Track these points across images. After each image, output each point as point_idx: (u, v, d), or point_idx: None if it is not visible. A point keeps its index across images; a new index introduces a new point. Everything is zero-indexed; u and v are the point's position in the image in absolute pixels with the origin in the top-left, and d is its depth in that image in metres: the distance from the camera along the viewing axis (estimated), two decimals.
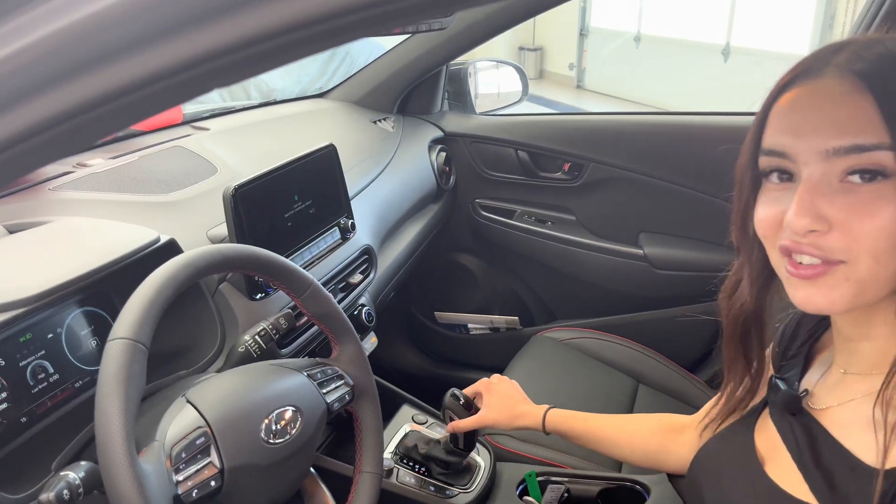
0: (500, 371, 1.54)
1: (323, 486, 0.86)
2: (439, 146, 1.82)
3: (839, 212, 0.55)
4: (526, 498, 1.11)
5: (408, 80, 1.77)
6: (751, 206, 0.63)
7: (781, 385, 0.69)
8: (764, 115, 0.61)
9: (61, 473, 0.64)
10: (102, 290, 0.91)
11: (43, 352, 0.82)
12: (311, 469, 0.87)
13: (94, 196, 1.07)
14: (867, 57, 0.55)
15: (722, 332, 0.76)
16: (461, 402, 1.06)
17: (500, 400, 1.07)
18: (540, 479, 1.13)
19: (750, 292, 0.71)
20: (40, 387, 0.82)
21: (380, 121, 1.75)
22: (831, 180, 0.55)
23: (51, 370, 0.83)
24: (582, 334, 1.62)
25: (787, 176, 0.59)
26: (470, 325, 2.02)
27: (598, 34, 8.38)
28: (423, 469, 1.16)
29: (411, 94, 1.84)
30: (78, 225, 0.96)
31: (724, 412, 0.80)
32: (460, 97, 1.94)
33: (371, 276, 1.32)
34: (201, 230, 1.05)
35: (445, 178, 1.82)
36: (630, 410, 1.41)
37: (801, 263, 0.57)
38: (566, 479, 1.14)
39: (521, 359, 1.56)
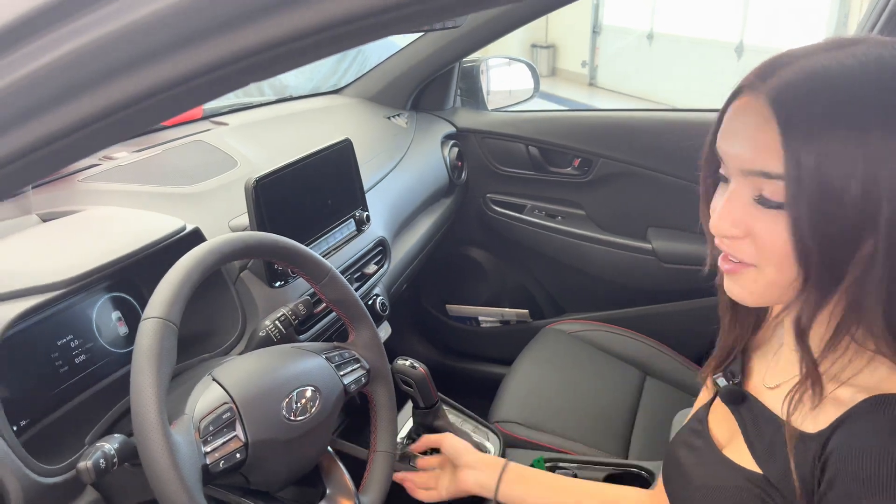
0: (510, 363, 1.58)
1: (340, 463, 0.90)
2: (451, 141, 1.86)
3: (752, 224, 0.59)
4: None
5: (421, 76, 1.80)
6: (710, 197, 0.67)
7: (720, 382, 0.75)
8: (721, 114, 0.64)
9: (97, 444, 0.68)
10: (130, 276, 0.95)
11: (74, 334, 0.87)
12: (329, 448, 0.91)
13: (120, 187, 1.11)
14: (785, 88, 0.57)
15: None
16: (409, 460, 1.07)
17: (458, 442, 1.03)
18: (548, 464, 1.17)
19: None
20: (72, 367, 0.86)
21: (393, 117, 1.78)
22: (750, 194, 0.60)
23: (81, 351, 0.87)
24: (590, 327, 1.65)
25: (725, 179, 0.63)
26: (480, 318, 2.05)
27: (610, 32, 8.37)
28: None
29: (424, 91, 1.88)
30: (107, 214, 1.00)
31: (718, 356, 0.81)
32: (472, 94, 1.97)
33: (385, 266, 1.35)
34: (223, 220, 1.09)
35: (457, 173, 1.85)
36: (637, 402, 1.44)
37: (727, 257, 0.63)
38: (573, 464, 1.17)
39: (530, 351, 1.59)
